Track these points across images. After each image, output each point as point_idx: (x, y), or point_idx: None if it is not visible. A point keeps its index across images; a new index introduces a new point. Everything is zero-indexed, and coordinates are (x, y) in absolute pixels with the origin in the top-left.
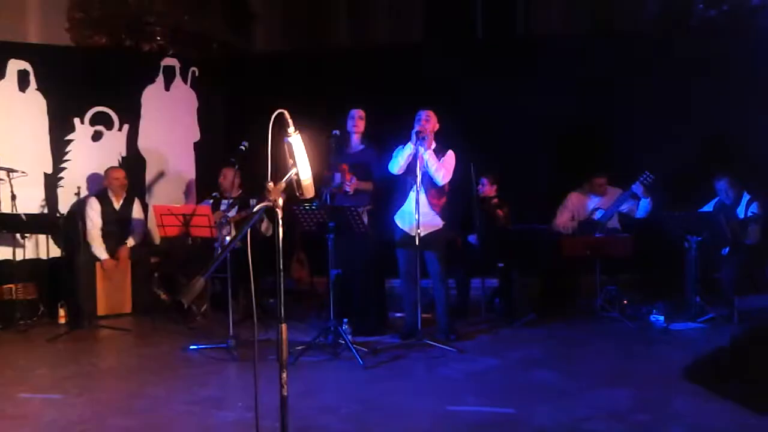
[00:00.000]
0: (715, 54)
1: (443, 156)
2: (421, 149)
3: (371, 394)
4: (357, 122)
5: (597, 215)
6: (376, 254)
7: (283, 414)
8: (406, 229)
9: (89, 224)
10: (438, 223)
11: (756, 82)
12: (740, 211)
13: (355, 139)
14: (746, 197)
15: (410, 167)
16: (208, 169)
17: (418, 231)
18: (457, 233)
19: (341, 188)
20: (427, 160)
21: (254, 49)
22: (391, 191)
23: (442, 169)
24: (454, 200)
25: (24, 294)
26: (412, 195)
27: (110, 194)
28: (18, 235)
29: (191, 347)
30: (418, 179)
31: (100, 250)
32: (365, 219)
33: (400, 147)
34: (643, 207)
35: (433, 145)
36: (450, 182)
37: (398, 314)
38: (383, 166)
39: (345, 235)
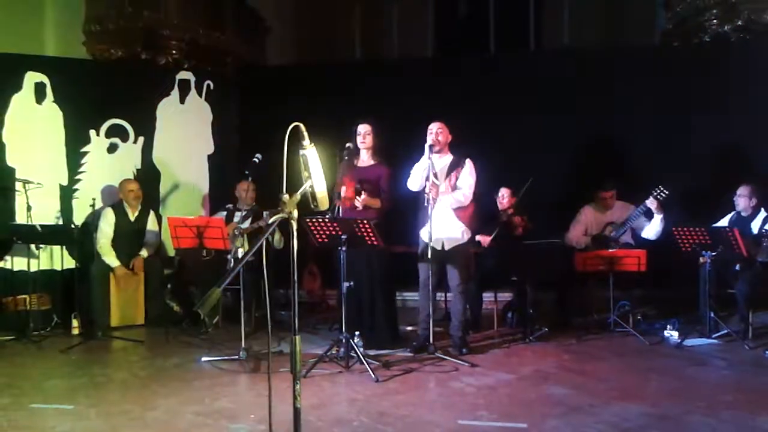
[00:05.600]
0: (728, 67)
1: (461, 168)
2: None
3: (383, 407)
4: (364, 138)
5: (610, 230)
6: (385, 267)
7: (297, 426)
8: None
9: (99, 234)
10: (462, 237)
11: None
12: (754, 227)
13: (365, 154)
14: (763, 214)
15: (426, 180)
16: (221, 182)
17: (431, 243)
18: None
19: (351, 203)
20: (443, 198)
21: (268, 62)
22: (408, 205)
23: (460, 199)
24: (478, 206)
25: (38, 304)
26: (435, 208)
27: (125, 206)
28: (33, 246)
29: (204, 359)
30: (432, 192)
31: (110, 258)
32: None
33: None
34: (653, 226)
35: (449, 157)
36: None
37: (409, 327)
38: (396, 183)
39: (356, 248)
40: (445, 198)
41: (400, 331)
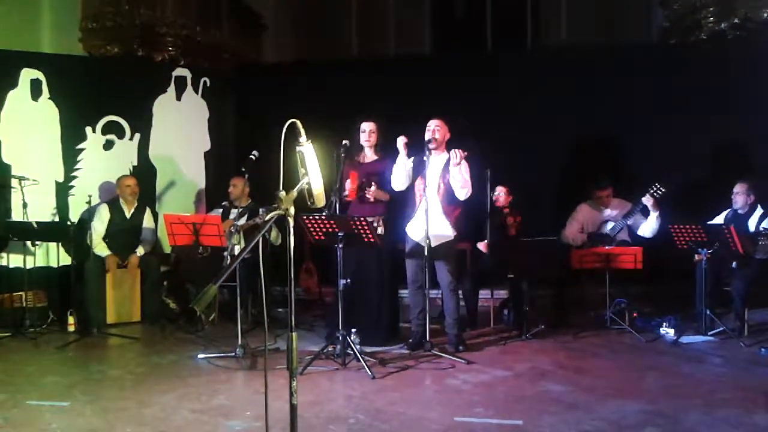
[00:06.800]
0: (725, 65)
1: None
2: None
3: (379, 404)
4: (369, 136)
5: (607, 227)
6: (387, 264)
7: (293, 423)
8: (418, 239)
9: (93, 232)
10: (449, 233)
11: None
12: (751, 224)
13: (369, 151)
14: (760, 211)
15: (421, 176)
16: (218, 179)
17: (428, 241)
18: (467, 242)
19: (355, 194)
20: (452, 177)
21: (264, 59)
22: (404, 201)
23: (468, 186)
24: (467, 209)
25: (34, 301)
26: (423, 205)
27: (122, 202)
28: (29, 243)
29: (200, 356)
30: (426, 188)
31: (101, 249)
32: (381, 229)
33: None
34: (650, 223)
35: (445, 155)
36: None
37: (405, 324)
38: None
39: (354, 246)
40: (458, 176)
41: (399, 329)
